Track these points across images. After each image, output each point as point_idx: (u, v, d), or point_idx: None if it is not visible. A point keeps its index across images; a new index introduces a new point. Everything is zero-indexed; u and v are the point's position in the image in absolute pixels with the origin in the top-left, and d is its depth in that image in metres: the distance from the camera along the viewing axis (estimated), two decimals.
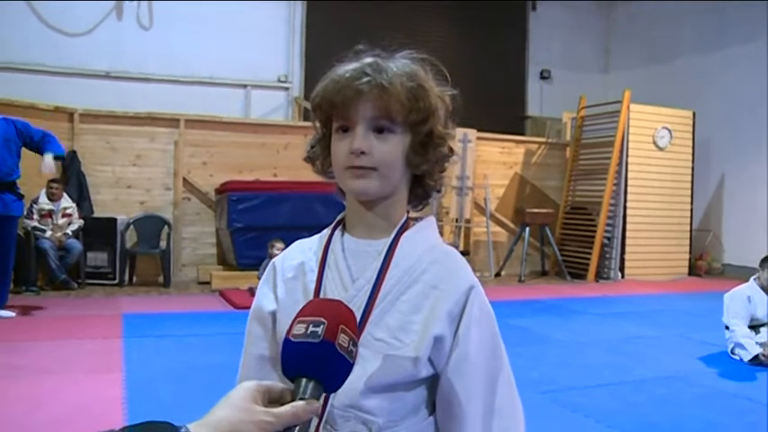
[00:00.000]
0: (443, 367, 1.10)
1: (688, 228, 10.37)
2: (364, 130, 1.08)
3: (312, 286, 1.14)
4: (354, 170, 1.09)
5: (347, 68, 1.10)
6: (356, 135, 1.08)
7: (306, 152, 1.21)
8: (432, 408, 1.14)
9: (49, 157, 5.93)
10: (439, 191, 1.20)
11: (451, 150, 1.17)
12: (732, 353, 5.09)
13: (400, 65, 1.11)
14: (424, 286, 1.11)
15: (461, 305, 1.10)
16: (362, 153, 1.08)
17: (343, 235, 1.18)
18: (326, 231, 1.20)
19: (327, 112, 1.13)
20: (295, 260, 1.20)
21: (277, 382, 0.89)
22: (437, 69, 1.16)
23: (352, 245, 1.16)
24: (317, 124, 1.17)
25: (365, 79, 1.07)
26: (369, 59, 1.11)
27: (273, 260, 1.25)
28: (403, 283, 1.11)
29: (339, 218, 1.21)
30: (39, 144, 6.00)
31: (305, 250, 1.21)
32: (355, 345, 0.89)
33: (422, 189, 1.18)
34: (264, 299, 1.22)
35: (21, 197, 5.99)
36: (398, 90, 1.07)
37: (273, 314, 1.19)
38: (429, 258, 1.13)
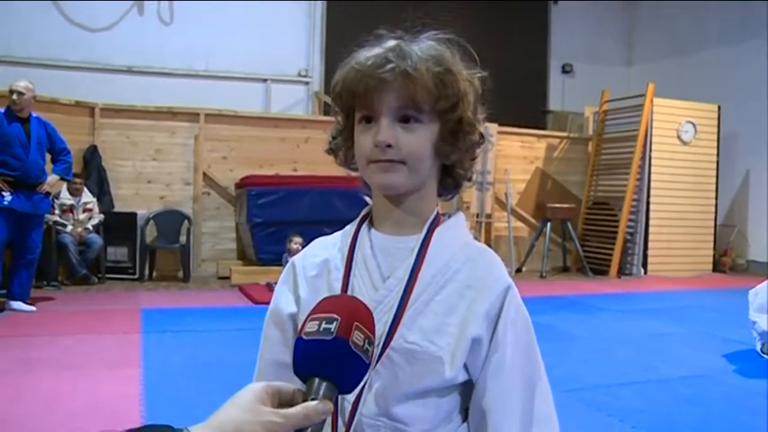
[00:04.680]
0: (480, 372, 1.03)
1: (712, 223, 10.24)
2: (389, 120, 1.01)
3: (338, 285, 1.08)
4: (380, 164, 1.02)
5: (368, 55, 1.03)
6: (381, 127, 1.01)
7: (328, 143, 1.14)
8: (464, 415, 1.08)
9: (54, 178, 6.12)
10: (470, 179, 1.13)
11: (482, 137, 1.10)
12: (762, 352, 4.99)
13: (425, 48, 1.03)
14: (458, 286, 1.04)
15: (498, 306, 1.04)
16: (388, 146, 1.01)
17: (369, 231, 1.11)
18: (351, 227, 1.13)
19: (349, 102, 1.06)
20: (318, 257, 1.14)
21: (288, 384, 0.84)
22: (464, 50, 1.08)
23: (381, 241, 1.09)
24: (339, 114, 1.10)
25: (388, 66, 0.99)
26: (391, 43, 1.04)
27: (293, 258, 1.18)
28: (437, 282, 1.04)
29: (364, 212, 1.14)
30: (55, 155, 6.20)
31: (328, 247, 1.15)
32: (371, 344, 0.84)
33: (452, 179, 1.11)
34: (282, 299, 1.15)
35: (48, 195, 6.09)
36: (425, 77, 1.00)
37: (292, 316, 1.12)
38: (463, 257, 1.07)
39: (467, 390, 1.07)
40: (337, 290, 1.07)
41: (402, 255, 1.06)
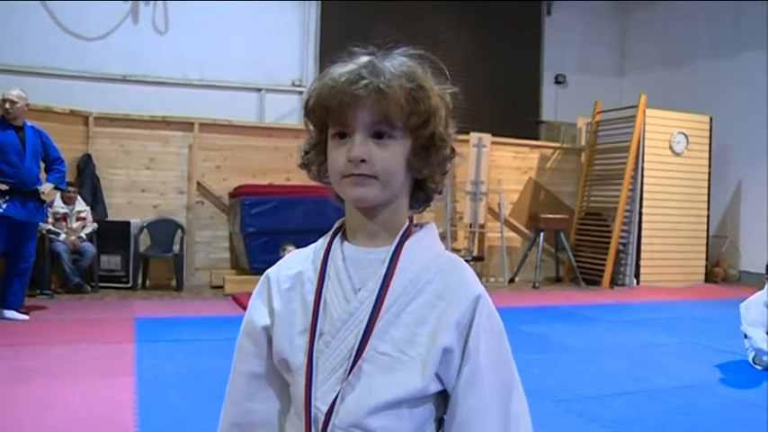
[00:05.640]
0: (455, 382, 1.05)
1: (704, 234, 10.27)
2: (363, 136, 1.04)
3: (311, 298, 1.09)
4: (354, 178, 1.04)
5: (342, 71, 1.04)
6: (355, 142, 1.03)
7: (300, 158, 1.16)
8: (437, 425, 1.09)
9: (49, 186, 6.11)
10: (440, 193, 1.15)
11: (453, 151, 1.11)
12: (754, 362, 5.01)
13: (397, 64, 1.05)
14: (429, 297, 1.06)
15: (469, 316, 1.06)
16: (362, 161, 1.03)
17: (342, 243, 1.13)
18: (323, 240, 1.15)
19: (322, 118, 1.08)
20: (291, 270, 1.15)
21: None
22: (435, 65, 1.10)
23: (353, 253, 1.11)
24: (311, 129, 1.12)
25: (362, 83, 1.01)
26: (364, 60, 1.06)
27: (267, 271, 1.19)
28: (408, 293, 1.06)
29: (337, 225, 1.16)
30: (49, 164, 6.20)
31: (301, 260, 1.16)
32: None
33: (423, 193, 1.13)
34: (257, 313, 1.16)
35: (43, 203, 6.08)
36: (397, 93, 1.01)
37: (266, 329, 1.14)
38: (434, 267, 1.09)
39: (439, 400, 1.08)
40: (310, 302, 1.09)
41: (373, 266, 1.08)
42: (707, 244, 10.33)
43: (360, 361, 1.03)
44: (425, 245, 1.11)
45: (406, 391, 1.02)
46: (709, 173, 10.27)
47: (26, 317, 6.02)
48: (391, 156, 1.04)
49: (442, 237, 8.75)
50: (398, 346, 1.04)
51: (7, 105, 5.79)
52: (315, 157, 1.14)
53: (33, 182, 5.94)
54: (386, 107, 1.02)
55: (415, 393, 1.03)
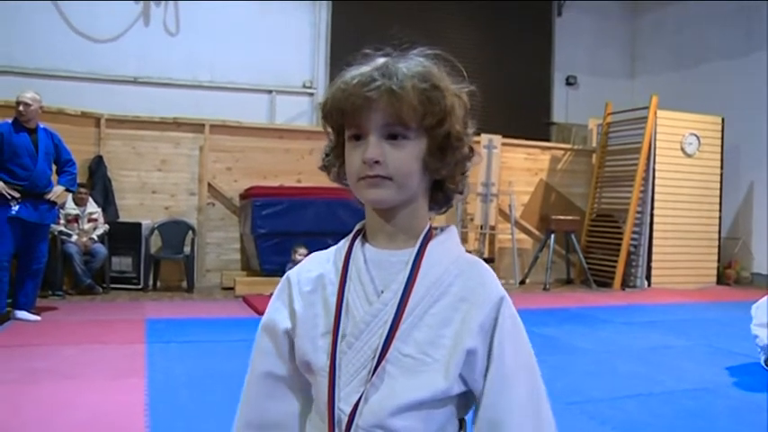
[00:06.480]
0: (481, 384, 1.05)
1: (716, 236, 10.22)
2: (377, 138, 1.04)
3: (333, 300, 1.10)
4: (368, 180, 1.04)
5: (355, 74, 1.05)
6: (369, 144, 1.04)
7: (321, 160, 1.17)
8: (458, 424, 1.10)
9: (60, 188, 6.13)
10: (461, 193, 1.14)
11: (472, 150, 1.11)
12: (766, 365, 4.97)
13: (412, 65, 1.05)
14: (452, 299, 1.06)
15: (493, 318, 1.06)
16: (376, 162, 1.03)
17: (363, 245, 1.13)
18: (344, 242, 1.16)
19: (339, 120, 1.08)
20: (313, 272, 1.15)
21: None
22: (452, 65, 1.10)
23: (375, 255, 1.11)
24: (330, 132, 1.13)
25: (374, 85, 1.02)
26: (379, 61, 1.06)
27: (287, 273, 1.19)
28: (431, 295, 1.06)
29: (358, 227, 1.16)
30: (60, 166, 6.22)
31: (322, 262, 1.16)
32: None
33: (443, 194, 1.13)
34: (277, 314, 1.16)
35: (54, 205, 6.11)
36: (410, 94, 1.01)
37: (286, 331, 1.14)
38: (455, 270, 1.09)
39: (461, 401, 1.09)
40: (332, 304, 1.09)
41: (395, 269, 1.08)
42: (719, 246, 10.27)
43: (383, 362, 1.04)
44: (447, 248, 1.12)
45: (430, 392, 1.03)
46: (721, 174, 10.22)
47: (38, 317, 6.05)
48: (405, 156, 1.04)
49: None
50: (422, 348, 1.04)
51: (21, 108, 5.83)
52: (334, 160, 1.14)
53: (45, 184, 5.98)
54: (398, 108, 1.02)
55: (438, 395, 1.03)
